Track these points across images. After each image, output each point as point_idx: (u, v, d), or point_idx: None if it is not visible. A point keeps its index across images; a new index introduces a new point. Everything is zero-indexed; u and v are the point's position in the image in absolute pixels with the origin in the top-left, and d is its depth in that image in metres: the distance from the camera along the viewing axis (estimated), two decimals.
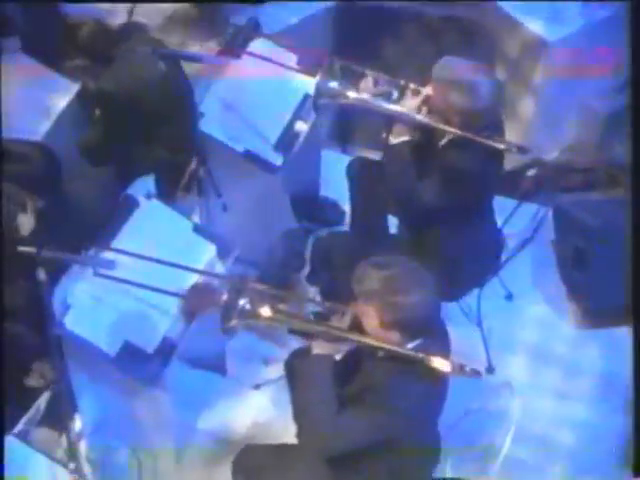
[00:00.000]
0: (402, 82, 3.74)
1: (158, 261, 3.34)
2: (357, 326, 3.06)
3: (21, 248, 3.24)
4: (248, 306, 3.00)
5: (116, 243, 3.45)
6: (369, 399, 2.99)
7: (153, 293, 3.43)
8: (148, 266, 3.38)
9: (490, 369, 4.16)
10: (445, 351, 3.02)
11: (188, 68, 3.91)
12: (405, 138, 3.70)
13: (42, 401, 3.69)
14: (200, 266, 3.58)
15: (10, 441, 3.07)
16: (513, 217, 4.02)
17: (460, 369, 2.89)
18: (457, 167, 3.64)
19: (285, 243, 4.43)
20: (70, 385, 3.58)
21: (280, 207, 4.29)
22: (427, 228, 3.81)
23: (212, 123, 3.89)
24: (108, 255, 3.27)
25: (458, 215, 3.71)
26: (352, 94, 3.59)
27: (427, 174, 3.69)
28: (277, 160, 3.94)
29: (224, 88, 3.96)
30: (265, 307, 3.01)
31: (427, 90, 3.69)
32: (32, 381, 3.49)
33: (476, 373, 2.88)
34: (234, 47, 3.90)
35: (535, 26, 4.88)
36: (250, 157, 3.90)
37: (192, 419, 3.94)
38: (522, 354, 4.32)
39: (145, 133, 4.08)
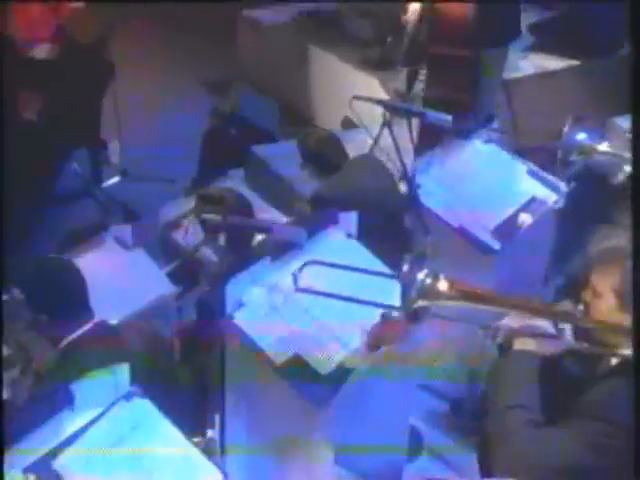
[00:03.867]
0: None
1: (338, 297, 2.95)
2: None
3: (206, 215, 3.02)
4: (428, 280, 2.44)
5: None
6: (586, 412, 2.32)
7: (334, 321, 3.01)
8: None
9: None
10: None
11: None
12: None
13: None
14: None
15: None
16: None
17: None
18: None
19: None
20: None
21: None
22: None
23: (429, 196, 3.63)
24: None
25: None
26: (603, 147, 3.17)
27: None
28: (495, 244, 3.56)
29: (448, 167, 3.74)
30: (443, 281, 2.44)
31: None
32: None
33: None
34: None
35: None
36: (464, 234, 3.55)
37: None
38: None
39: None
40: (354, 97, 3.51)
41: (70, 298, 3.04)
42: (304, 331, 3.00)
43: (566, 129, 3.31)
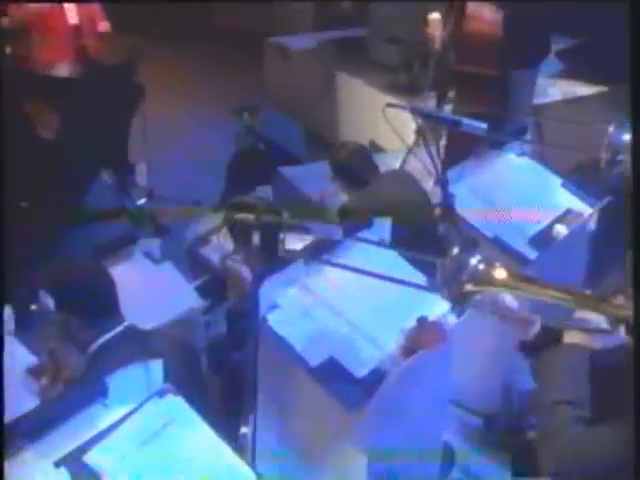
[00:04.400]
0: None
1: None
2: None
3: (239, 215, 2.98)
4: (482, 266, 2.33)
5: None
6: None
7: (369, 323, 2.97)
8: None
9: None
10: None
11: None
12: None
13: None
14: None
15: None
16: None
17: None
18: None
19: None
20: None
21: None
22: None
23: (463, 206, 3.58)
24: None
25: None
26: None
27: None
28: (531, 254, 3.50)
29: (482, 178, 3.70)
30: (501, 269, 2.33)
31: None
32: None
33: None
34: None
35: None
36: (499, 244, 3.50)
37: None
38: None
39: None
40: (387, 105, 3.48)
41: (100, 299, 3.00)
42: (339, 333, 2.95)
43: (611, 129, 3.32)
